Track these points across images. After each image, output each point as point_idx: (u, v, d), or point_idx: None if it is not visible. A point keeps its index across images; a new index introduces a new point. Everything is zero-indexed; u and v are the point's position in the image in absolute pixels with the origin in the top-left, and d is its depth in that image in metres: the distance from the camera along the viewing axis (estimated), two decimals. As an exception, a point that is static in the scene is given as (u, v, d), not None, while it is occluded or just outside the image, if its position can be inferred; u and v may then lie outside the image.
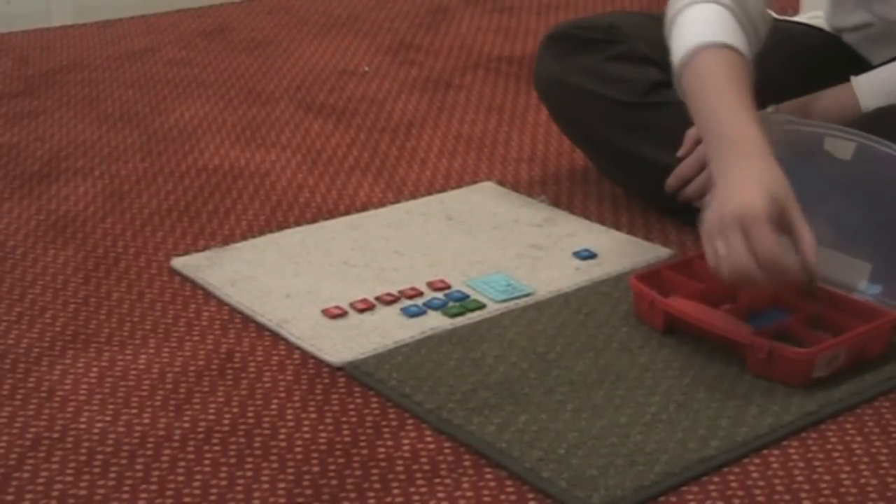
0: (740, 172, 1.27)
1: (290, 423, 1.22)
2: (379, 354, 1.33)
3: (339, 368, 1.32)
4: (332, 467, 1.15)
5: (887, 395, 1.26)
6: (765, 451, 1.17)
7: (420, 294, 1.46)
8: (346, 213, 1.72)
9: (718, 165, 1.31)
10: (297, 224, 1.69)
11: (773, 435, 1.19)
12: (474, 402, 1.24)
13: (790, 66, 1.73)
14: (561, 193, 1.79)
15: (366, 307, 1.43)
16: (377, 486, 1.12)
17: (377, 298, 1.45)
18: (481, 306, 1.43)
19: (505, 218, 1.68)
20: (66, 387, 1.29)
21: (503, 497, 1.11)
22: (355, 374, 1.30)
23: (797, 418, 1.21)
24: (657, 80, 1.66)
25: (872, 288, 1.34)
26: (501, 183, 1.82)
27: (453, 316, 1.41)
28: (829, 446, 1.18)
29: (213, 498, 1.11)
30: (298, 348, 1.36)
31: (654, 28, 1.74)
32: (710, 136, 1.35)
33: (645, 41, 1.70)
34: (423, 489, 1.12)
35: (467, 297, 1.45)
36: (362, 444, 1.19)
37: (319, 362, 1.33)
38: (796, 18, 1.84)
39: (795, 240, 1.25)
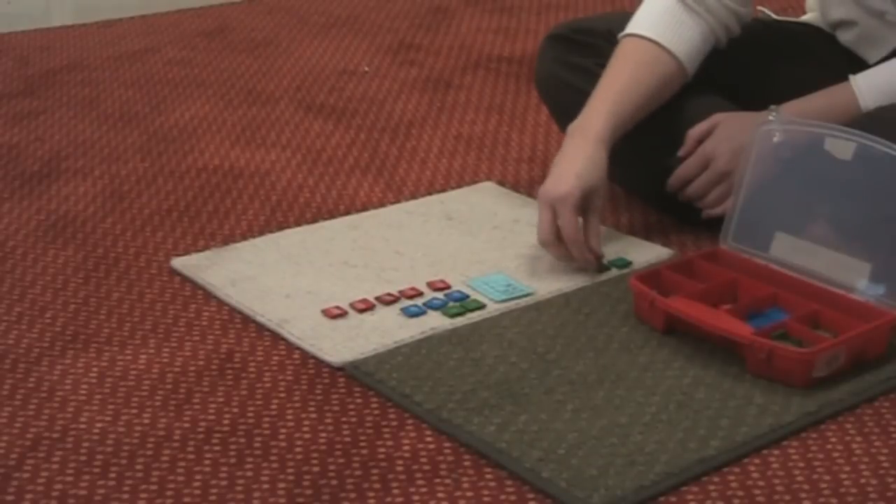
0: (570, 159, 1.51)
1: (290, 423, 1.22)
2: (379, 354, 1.33)
3: (339, 368, 1.32)
4: (332, 467, 1.15)
5: (887, 395, 1.26)
6: (765, 451, 1.17)
7: (420, 294, 1.46)
8: (346, 213, 1.72)
9: (565, 143, 1.54)
10: (297, 224, 1.69)
11: (773, 435, 1.19)
12: (474, 402, 1.24)
13: (790, 65, 1.73)
14: (561, 193, 1.79)
15: (366, 307, 1.43)
16: (377, 486, 1.12)
17: (377, 298, 1.45)
18: (481, 306, 1.43)
19: (505, 218, 1.68)
20: (66, 387, 1.29)
21: (503, 497, 1.11)
22: (355, 374, 1.30)
23: (797, 418, 1.21)
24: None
25: (872, 288, 1.34)
26: (501, 183, 1.82)
27: (453, 316, 1.41)
28: (829, 446, 1.18)
29: (213, 498, 1.11)
30: (298, 348, 1.36)
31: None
32: (581, 116, 1.56)
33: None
34: (423, 489, 1.12)
35: (467, 297, 1.46)
36: (362, 444, 1.19)
37: (319, 362, 1.33)
38: (796, 19, 1.84)
39: (584, 225, 1.50)
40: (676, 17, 1.59)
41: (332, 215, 1.72)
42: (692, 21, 1.60)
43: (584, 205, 1.50)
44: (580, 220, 1.49)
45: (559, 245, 1.49)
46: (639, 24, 1.61)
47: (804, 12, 1.84)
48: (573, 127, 1.55)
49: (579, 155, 1.51)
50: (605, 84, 1.57)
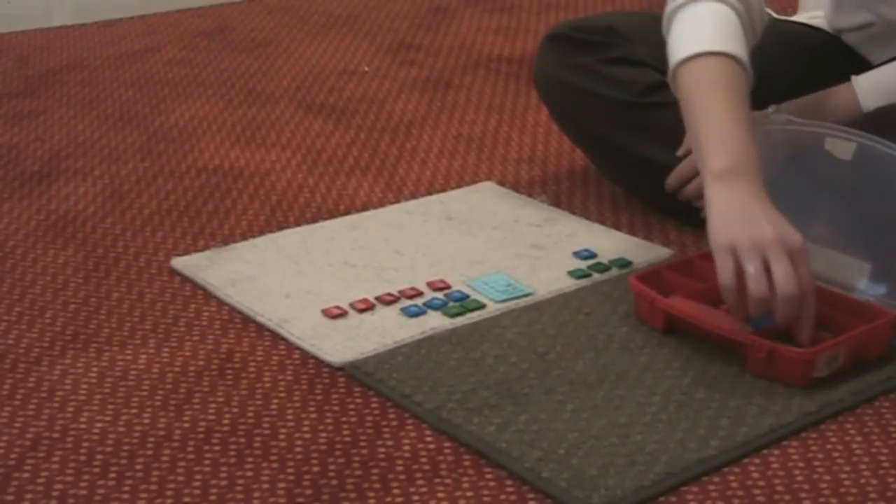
0: (750, 197, 1.27)
1: (290, 423, 1.22)
2: (379, 354, 1.33)
3: (339, 368, 1.32)
4: (332, 467, 1.15)
5: (887, 395, 1.26)
6: (765, 451, 1.17)
7: (420, 294, 1.46)
8: (346, 213, 1.72)
9: (716, 176, 1.30)
10: (297, 224, 1.69)
11: (773, 435, 1.19)
12: (474, 402, 1.24)
13: (790, 66, 1.73)
14: (561, 193, 1.79)
15: (366, 307, 1.43)
16: (377, 486, 1.12)
17: (377, 298, 1.45)
18: (481, 306, 1.43)
19: (505, 218, 1.68)
20: (66, 387, 1.29)
21: (503, 497, 1.11)
22: (355, 374, 1.30)
23: (797, 418, 1.21)
24: (656, 80, 1.66)
25: (873, 288, 1.34)
26: (501, 183, 1.82)
27: (453, 316, 1.41)
28: (829, 446, 1.18)
29: (213, 498, 1.11)
30: (298, 348, 1.36)
31: (652, 30, 1.74)
32: (710, 152, 1.33)
33: (643, 44, 1.70)
34: (423, 489, 1.12)
35: (467, 297, 1.45)
36: (362, 444, 1.19)
37: (319, 362, 1.33)
38: (796, 18, 1.84)
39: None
40: (736, 26, 1.42)
41: (332, 215, 1.72)
42: (744, 32, 1.43)
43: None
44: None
45: (794, 301, 1.24)
46: (704, 39, 1.40)
47: (797, 11, 1.84)
48: (722, 172, 1.30)
49: (765, 201, 1.28)
50: (725, 115, 1.34)
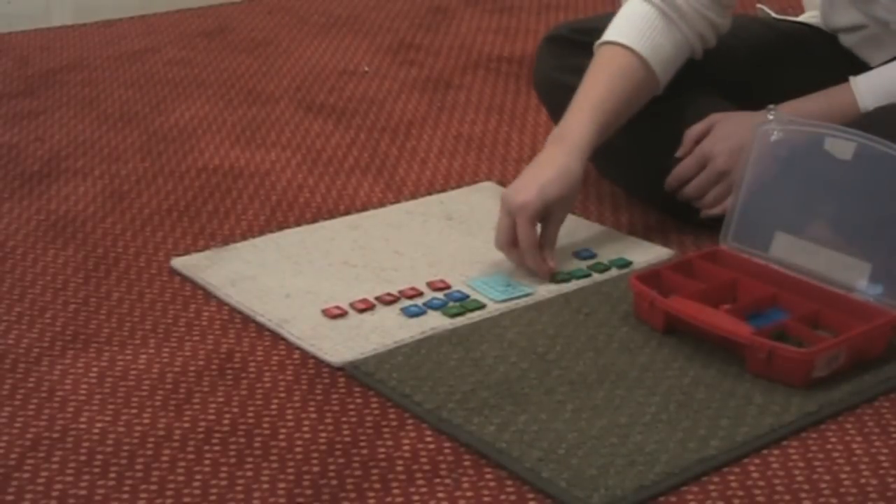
0: (541, 167, 1.50)
1: (290, 423, 1.22)
2: (379, 354, 1.33)
3: (339, 368, 1.32)
4: (332, 467, 1.15)
5: (887, 395, 1.26)
6: (765, 451, 1.17)
7: (420, 294, 1.46)
8: (346, 213, 1.72)
9: (542, 150, 1.54)
10: (297, 224, 1.69)
11: (773, 435, 1.19)
12: (474, 402, 1.24)
13: (790, 66, 1.73)
14: (561, 193, 1.79)
15: (366, 307, 1.43)
16: (377, 486, 1.12)
17: (377, 298, 1.45)
18: (481, 306, 1.43)
19: (505, 218, 1.68)
20: (66, 387, 1.29)
21: (503, 497, 1.11)
22: (355, 374, 1.30)
23: (797, 418, 1.21)
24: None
25: (872, 288, 1.34)
26: (501, 183, 1.82)
27: (453, 316, 1.41)
28: (829, 446, 1.18)
29: (213, 498, 1.11)
30: (298, 348, 1.36)
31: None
32: (560, 124, 1.56)
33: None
34: (423, 489, 1.12)
35: (467, 297, 1.46)
36: (362, 444, 1.19)
37: (319, 362, 1.33)
38: (796, 18, 1.84)
39: (541, 234, 1.49)
40: (653, 25, 1.58)
41: (332, 215, 1.72)
42: (668, 30, 1.58)
43: (545, 215, 1.49)
44: (539, 227, 1.49)
45: (513, 251, 1.49)
46: (616, 31, 1.59)
47: (803, 11, 1.84)
48: (552, 135, 1.55)
49: (552, 165, 1.49)
50: (584, 93, 1.56)
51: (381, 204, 1.75)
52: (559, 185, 1.48)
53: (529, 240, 1.47)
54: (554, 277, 1.50)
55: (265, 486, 1.12)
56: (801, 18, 1.82)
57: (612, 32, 1.60)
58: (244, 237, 1.65)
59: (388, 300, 1.45)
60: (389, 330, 1.38)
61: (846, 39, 1.71)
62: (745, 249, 1.45)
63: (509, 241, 1.48)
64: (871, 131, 1.37)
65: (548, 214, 1.49)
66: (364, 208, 1.74)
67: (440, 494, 1.11)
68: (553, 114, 1.82)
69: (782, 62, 1.73)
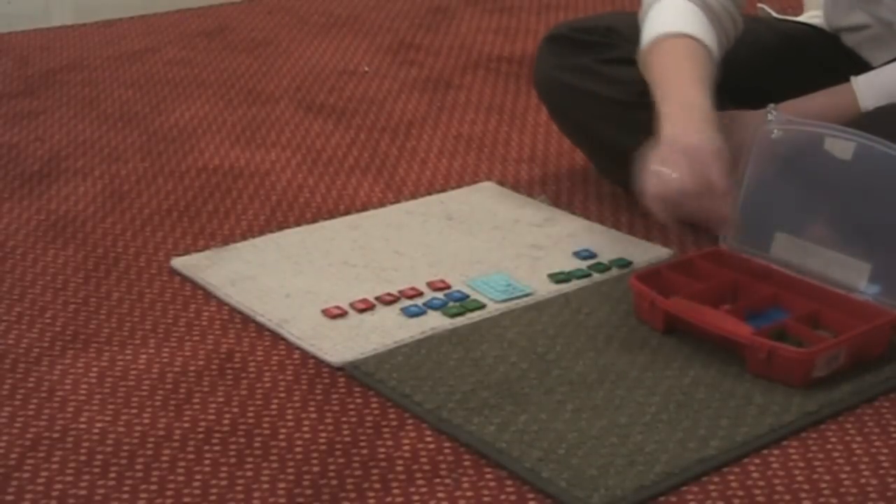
0: (689, 124, 1.38)
1: (290, 423, 1.22)
2: (379, 354, 1.33)
3: (339, 368, 1.32)
4: (332, 467, 1.15)
5: (887, 395, 1.26)
6: (765, 451, 1.17)
7: (420, 294, 1.46)
8: (346, 213, 1.72)
9: (670, 120, 1.40)
10: (297, 224, 1.69)
11: (773, 435, 1.19)
12: (474, 402, 1.24)
13: (790, 65, 1.73)
14: (561, 193, 1.79)
15: (366, 307, 1.43)
16: (377, 486, 1.12)
17: (377, 298, 1.45)
18: (481, 306, 1.43)
19: (505, 218, 1.68)
20: (66, 387, 1.29)
21: (503, 497, 1.11)
22: (355, 374, 1.30)
23: (797, 418, 1.21)
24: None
25: (872, 288, 1.34)
26: (501, 183, 1.82)
27: (453, 316, 1.41)
28: (829, 446, 1.18)
29: (213, 498, 1.11)
30: (298, 348, 1.36)
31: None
32: (667, 102, 1.44)
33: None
34: (423, 489, 1.12)
35: (467, 297, 1.46)
36: (362, 444, 1.19)
37: (319, 362, 1.33)
38: (796, 18, 1.84)
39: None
40: (703, 20, 1.54)
41: (332, 215, 1.72)
42: (712, 26, 1.55)
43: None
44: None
45: (700, 197, 1.33)
46: (672, 24, 1.53)
47: (803, 11, 1.84)
48: (670, 112, 1.42)
49: (695, 126, 1.39)
50: (675, 71, 1.47)
51: (381, 204, 1.75)
52: (716, 134, 1.38)
53: (723, 180, 1.33)
54: (553, 278, 1.49)
55: (265, 486, 1.12)
56: (802, 18, 1.82)
57: (667, 25, 1.52)
58: (244, 237, 1.65)
59: (388, 300, 1.45)
60: (389, 330, 1.38)
61: (849, 39, 1.71)
62: (746, 249, 1.45)
63: (704, 184, 1.32)
64: (871, 131, 1.37)
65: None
66: (364, 208, 1.74)
67: (440, 494, 1.11)
68: (553, 113, 1.82)
69: (783, 62, 1.73)
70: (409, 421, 1.22)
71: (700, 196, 1.33)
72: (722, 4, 1.57)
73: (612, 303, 1.44)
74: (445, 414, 1.22)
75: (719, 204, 1.34)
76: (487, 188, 1.81)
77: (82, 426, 1.22)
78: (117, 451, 1.18)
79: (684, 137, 1.35)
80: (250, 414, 1.24)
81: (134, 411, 1.25)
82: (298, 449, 1.18)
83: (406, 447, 1.18)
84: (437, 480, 1.13)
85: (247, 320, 1.43)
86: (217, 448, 1.18)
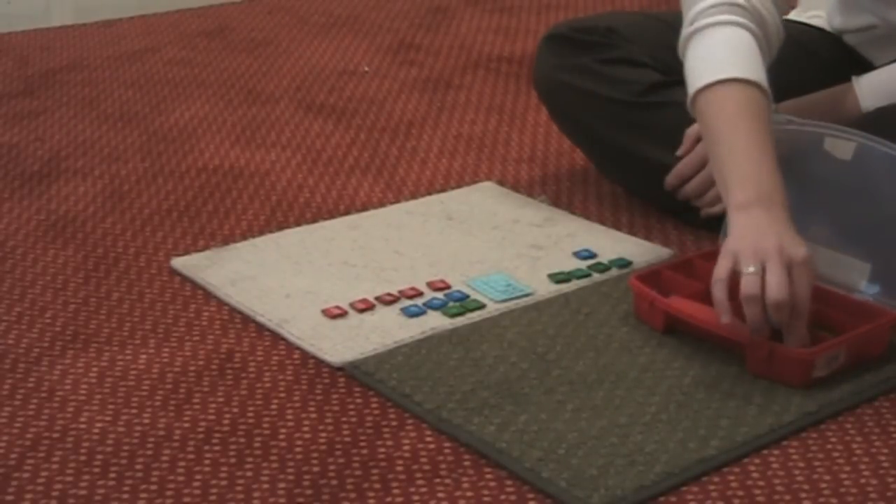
0: (769, 220, 1.27)
1: (290, 423, 1.22)
2: (379, 354, 1.33)
3: (339, 368, 1.32)
4: (332, 467, 1.15)
5: (887, 395, 1.26)
6: (765, 451, 1.17)
7: (420, 294, 1.46)
8: (346, 213, 1.72)
9: (740, 207, 1.30)
10: (297, 224, 1.69)
11: (773, 435, 1.19)
12: (474, 402, 1.24)
13: (790, 66, 1.73)
14: (561, 193, 1.79)
15: (366, 307, 1.43)
16: (377, 486, 1.12)
17: (377, 298, 1.45)
18: (481, 306, 1.43)
19: (505, 218, 1.68)
20: (66, 387, 1.29)
21: (503, 497, 1.11)
22: (355, 374, 1.30)
23: (797, 418, 1.21)
24: (656, 80, 1.66)
25: (872, 288, 1.34)
26: (501, 183, 1.82)
27: (453, 316, 1.41)
28: (829, 446, 1.18)
29: (213, 498, 1.11)
30: (298, 348, 1.36)
31: (652, 30, 1.74)
32: (730, 172, 1.32)
33: (643, 44, 1.70)
34: (423, 489, 1.12)
35: (467, 297, 1.46)
36: (362, 444, 1.19)
37: (319, 362, 1.33)
38: (794, 17, 1.84)
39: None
40: (754, 52, 1.40)
41: (332, 215, 1.72)
42: (762, 53, 1.42)
43: None
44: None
45: (784, 308, 1.24)
46: (735, 67, 1.37)
47: (796, 6, 1.83)
48: (754, 199, 1.30)
49: (787, 224, 1.29)
50: (752, 144, 1.33)
51: (381, 204, 1.75)
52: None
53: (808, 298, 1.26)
54: (553, 278, 1.49)
55: (265, 486, 1.12)
56: (802, 18, 1.82)
57: (724, 65, 1.37)
58: (244, 237, 1.65)
59: (388, 300, 1.45)
60: (389, 330, 1.38)
61: (851, 38, 1.71)
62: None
63: (782, 293, 1.23)
64: (871, 131, 1.37)
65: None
66: (364, 208, 1.74)
67: (440, 494, 1.11)
68: (553, 113, 1.82)
69: (783, 62, 1.73)
70: (409, 421, 1.22)
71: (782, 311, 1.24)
72: (772, 14, 1.44)
73: (612, 303, 1.44)
74: (445, 414, 1.22)
75: (802, 321, 1.26)
76: (487, 188, 1.81)
77: (82, 426, 1.22)
78: (117, 451, 1.18)
79: (792, 246, 1.25)
80: (250, 414, 1.24)
81: (134, 411, 1.25)
82: (298, 449, 1.18)
83: (406, 447, 1.18)
84: (437, 480, 1.13)
85: (247, 320, 1.43)
86: (217, 448, 1.18)
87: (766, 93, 1.36)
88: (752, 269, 1.24)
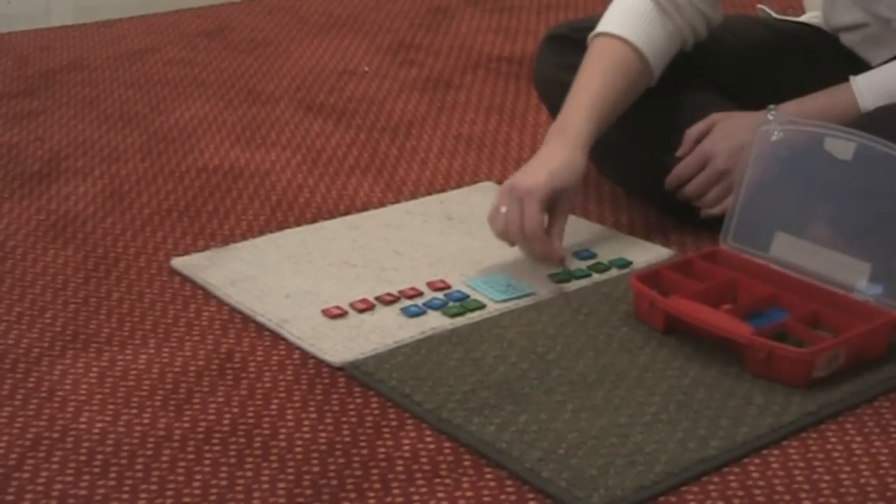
0: (546, 158, 1.51)
1: (290, 423, 1.22)
2: (379, 354, 1.33)
3: (339, 368, 1.32)
4: (332, 467, 1.15)
5: (887, 395, 1.26)
6: (765, 451, 1.17)
7: (420, 294, 1.46)
8: (346, 213, 1.72)
9: (543, 144, 1.54)
10: (297, 224, 1.69)
11: (773, 435, 1.19)
12: (474, 402, 1.24)
13: (790, 66, 1.73)
14: (561, 193, 1.79)
15: (366, 307, 1.43)
16: (377, 486, 1.12)
17: (377, 298, 1.45)
18: (481, 306, 1.43)
19: (505, 218, 1.68)
20: (66, 387, 1.29)
21: (503, 497, 1.11)
22: (355, 374, 1.30)
23: (797, 418, 1.21)
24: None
25: (872, 288, 1.34)
26: (501, 183, 1.82)
27: (453, 316, 1.41)
28: (829, 446, 1.18)
29: (213, 498, 1.11)
30: (298, 348, 1.36)
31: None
32: (560, 115, 1.57)
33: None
34: (423, 489, 1.12)
35: (467, 297, 1.46)
36: (362, 444, 1.19)
37: (319, 362, 1.33)
38: (795, 18, 1.84)
39: (549, 224, 1.50)
40: (648, 17, 1.59)
41: (332, 215, 1.72)
42: (662, 21, 1.60)
43: (552, 204, 1.50)
44: (546, 217, 1.49)
45: (520, 236, 1.48)
46: (611, 22, 1.61)
47: (804, 12, 1.84)
48: (553, 129, 1.55)
49: (557, 155, 1.50)
50: (581, 86, 1.57)
51: (381, 204, 1.75)
52: (567, 173, 1.49)
53: (540, 224, 1.47)
54: (553, 277, 1.49)
55: (265, 486, 1.12)
56: (802, 19, 1.82)
57: (607, 23, 1.61)
58: (244, 237, 1.65)
59: (388, 300, 1.45)
60: (389, 330, 1.38)
61: (847, 38, 1.71)
62: (745, 249, 1.45)
63: (519, 227, 1.47)
64: (871, 131, 1.37)
65: (553, 204, 1.50)
66: (364, 208, 1.74)
67: (440, 494, 1.11)
68: (554, 113, 1.81)
69: (783, 62, 1.73)
70: (409, 421, 1.22)
71: (518, 237, 1.48)
72: (691, 3, 1.61)
73: (612, 303, 1.44)
74: (445, 414, 1.22)
75: (537, 245, 1.48)
76: (487, 188, 1.81)
77: (82, 426, 1.22)
78: (117, 451, 1.18)
79: (521, 179, 1.48)
80: (250, 414, 1.24)
81: (134, 411, 1.25)
82: (298, 449, 1.18)
83: (406, 447, 1.18)
84: (437, 480, 1.13)
85: (247, 320, 1.43)
86: (217, 448, 1.18)
87: (636, 48, 1.57)
88: (494, 208, 1.50)
